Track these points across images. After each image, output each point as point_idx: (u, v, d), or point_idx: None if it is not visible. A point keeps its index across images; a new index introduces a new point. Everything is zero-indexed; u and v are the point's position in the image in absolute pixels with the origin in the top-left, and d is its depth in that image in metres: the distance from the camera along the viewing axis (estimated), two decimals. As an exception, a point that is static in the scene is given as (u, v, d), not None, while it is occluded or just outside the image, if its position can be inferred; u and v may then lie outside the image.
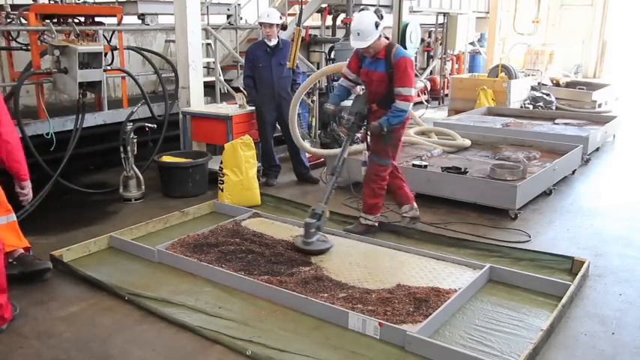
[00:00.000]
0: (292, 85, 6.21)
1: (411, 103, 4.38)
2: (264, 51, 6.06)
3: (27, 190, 3.67)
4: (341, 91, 4.76)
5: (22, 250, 3.86)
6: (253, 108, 6.23)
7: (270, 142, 6.29)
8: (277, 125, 6.35)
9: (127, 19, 7.57)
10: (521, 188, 5.17)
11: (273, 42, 6.03)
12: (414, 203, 4.88)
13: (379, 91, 4.45)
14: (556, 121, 8.85)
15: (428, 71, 13.13)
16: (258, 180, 5.79)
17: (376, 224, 4.79)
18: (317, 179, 6.35)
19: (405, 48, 10.15)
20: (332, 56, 9.29)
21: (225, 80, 7.82)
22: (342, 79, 4.77)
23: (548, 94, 10.89)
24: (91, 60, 5.28)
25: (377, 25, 4.24)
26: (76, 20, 6.01)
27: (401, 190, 4.85)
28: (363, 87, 4.68)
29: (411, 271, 3.95)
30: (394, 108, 4.34)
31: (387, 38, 4.57)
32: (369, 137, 4.66)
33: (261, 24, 6.14)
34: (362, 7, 9.97)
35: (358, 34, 4.27)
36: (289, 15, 10.41)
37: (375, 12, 4.31)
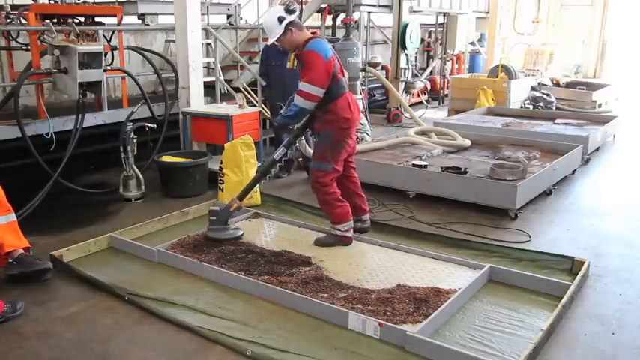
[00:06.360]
0: None
1: (308, 101, 4.00)
2: (278, 50, 6.28)
3: None
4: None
5: (22, 250, 3.86)
6: (254, 108, 6.31)
7: (283, 136, 6.41)
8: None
9: (127, 19, 7.55)
10: (521, 188, 5.17)
11: None
12: (348, 222, 4.40)
13: None
14: (556, 121, 8.85)
15: (428, 71, 13.12)
16: (258, 180, 5.78)
17: (348, 234, 4.39)
18: None
19: (405, 48, 10.31)
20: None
21: (225, 80, 7.82)
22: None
23: (548, 94, 10.89)
24: (91, 60, 5.27)
25: (280, 20, 4.05)
26: (76, 20, 6.00)
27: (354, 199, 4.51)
28: None
29: (411, 271, 3.95)
30: (291, 102, 4.13)
31: (314, 34, 4.30)
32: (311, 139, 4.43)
33: None
34: (362, 6, 10.02)
35: (265, 30, 4.21)
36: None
37: (286, 7, 4.11)
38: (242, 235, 4.54)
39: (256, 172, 4.46)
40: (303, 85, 4.02)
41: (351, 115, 4.23)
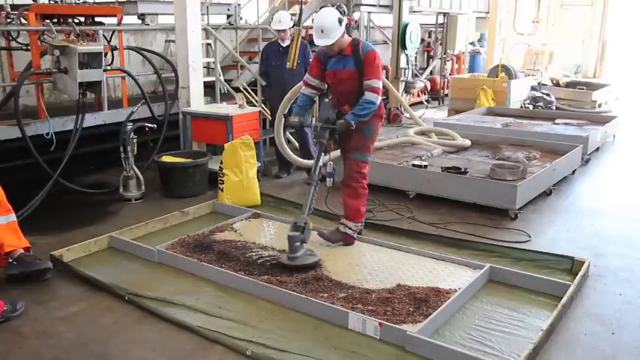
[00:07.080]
0: None
1: (380, 96, 4.18)
2: (278, 50, 6.47)
3: None
4: (304, 101, 4.51)
5: (22, 250, 3.86)
6: (254, 108, 6.31)
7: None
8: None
9: (127, 19, 7.55)
10: (521, 188, 5.17)
11: (286, 42, 6.43)
12: (360, 224, 4.50)
13: (350, 89, 4.24)
14: (556, 121, 8.85)
15: (428, 71, 13.13)
16: (259, 180, 5.79)
17: (354, 235, 4.44)
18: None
19: (405, 48, 10.31)
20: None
21: (225, 80, 7.82)
22: (303, 87, 4.53)
23: (548, 94, 10.90)
24: (91, 60, 5.27)
25: (340, 22, 4.12)
26: (76, 20, 6.00)
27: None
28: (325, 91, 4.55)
29: (411, 271, 3.95)
30: (362, 100, 4.14)
31: (350, 35, 4.43)
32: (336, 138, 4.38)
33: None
34: (362, 6, 10.03)
35: (322, 31, 4.12)
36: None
37: (337, 8, 4.17)
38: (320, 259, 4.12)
39: (307, 183, 4.30)
40: (375, 82, 4.16)
41: (384, 112, 4.58)
